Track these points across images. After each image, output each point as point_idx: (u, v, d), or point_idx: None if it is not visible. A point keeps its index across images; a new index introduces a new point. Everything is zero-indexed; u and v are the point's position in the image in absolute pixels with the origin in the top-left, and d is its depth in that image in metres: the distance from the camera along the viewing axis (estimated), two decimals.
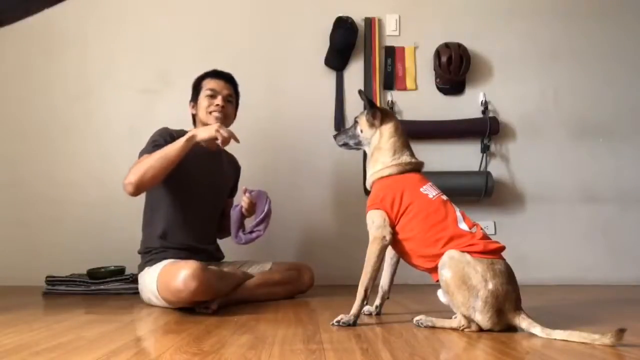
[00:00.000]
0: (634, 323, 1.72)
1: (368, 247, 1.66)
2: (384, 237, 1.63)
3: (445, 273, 1.49)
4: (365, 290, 1.64)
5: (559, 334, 1.34)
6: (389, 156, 1.74)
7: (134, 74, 2.97)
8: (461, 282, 1.46)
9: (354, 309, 1.62)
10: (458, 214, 1.62)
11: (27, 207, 2.87)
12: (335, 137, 1.93)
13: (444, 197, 1.67)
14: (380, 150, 1.76)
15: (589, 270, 2.91)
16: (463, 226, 1.58)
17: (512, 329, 1.48)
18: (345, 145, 1.90)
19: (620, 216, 2.98)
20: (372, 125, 1.80)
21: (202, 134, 2.02)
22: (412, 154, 1.77)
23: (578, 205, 2.99)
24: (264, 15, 3.05)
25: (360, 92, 1.86)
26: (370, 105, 1.79)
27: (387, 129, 1.77)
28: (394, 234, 1.65)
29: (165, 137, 2.14)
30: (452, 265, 1.48)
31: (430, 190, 1.67)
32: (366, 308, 1.79)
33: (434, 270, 1.56)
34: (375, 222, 1.65)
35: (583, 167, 3.01)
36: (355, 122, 1.86)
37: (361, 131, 1.83)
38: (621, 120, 3.05)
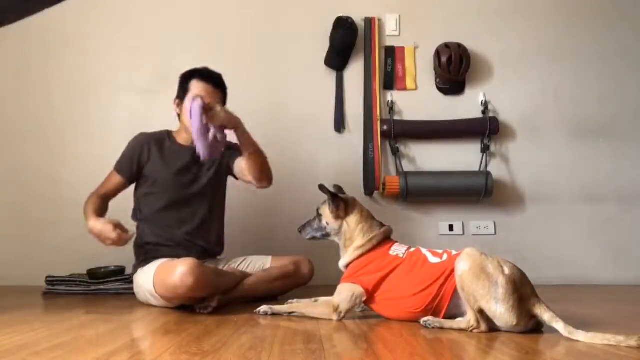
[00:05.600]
0: (636, 324, 1.72)
1: (324, 304, 1.73)
2: (341, 312, 1.68)
3: (462, 266, 1.50)
4: (294, 313, 1.74)
5: (581, 335, 1.32)
6: (360, 240, 1.78)
7: (133, 74, 2.96)
8: (480, 270, 1.47)
9: (276, 309, 1.75)
10: (425, 252, 1.68)
11: (27, 207, 2.87)
12: (300, 231, 1.93)
13: (412, 249, 1.72)
14: (352, 240, 1.80)
15: (589, 270, 2.90)
16: (434, 260, 1.63)
17: (527, 331, 1.45)
18: (314, 238, 1.91)
19: (620, 216, 2.98)
20: (337, 216, 1.83)
21: (95, 230, 2.00)
22: (379, 225, 1.81)
23: (578, 205, 2.98)
24: (264, 15, 3.05)
25: (320, 186, 1.83)
26: (333, 197, 1.83)
27: (353, 217, 1.82)
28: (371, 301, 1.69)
29: (134, 153, 2.21)
30: (468, 259, 1.51)
31: (399, 250, 1.73)
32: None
33: (423, 311, 1.58)
34: (343, 295, 1.70)
35: (583, 167, 3.01)
36: (319, 214, 1.89)
37: (327, 223, 1.86)
38: (621, 120, 3.05)
